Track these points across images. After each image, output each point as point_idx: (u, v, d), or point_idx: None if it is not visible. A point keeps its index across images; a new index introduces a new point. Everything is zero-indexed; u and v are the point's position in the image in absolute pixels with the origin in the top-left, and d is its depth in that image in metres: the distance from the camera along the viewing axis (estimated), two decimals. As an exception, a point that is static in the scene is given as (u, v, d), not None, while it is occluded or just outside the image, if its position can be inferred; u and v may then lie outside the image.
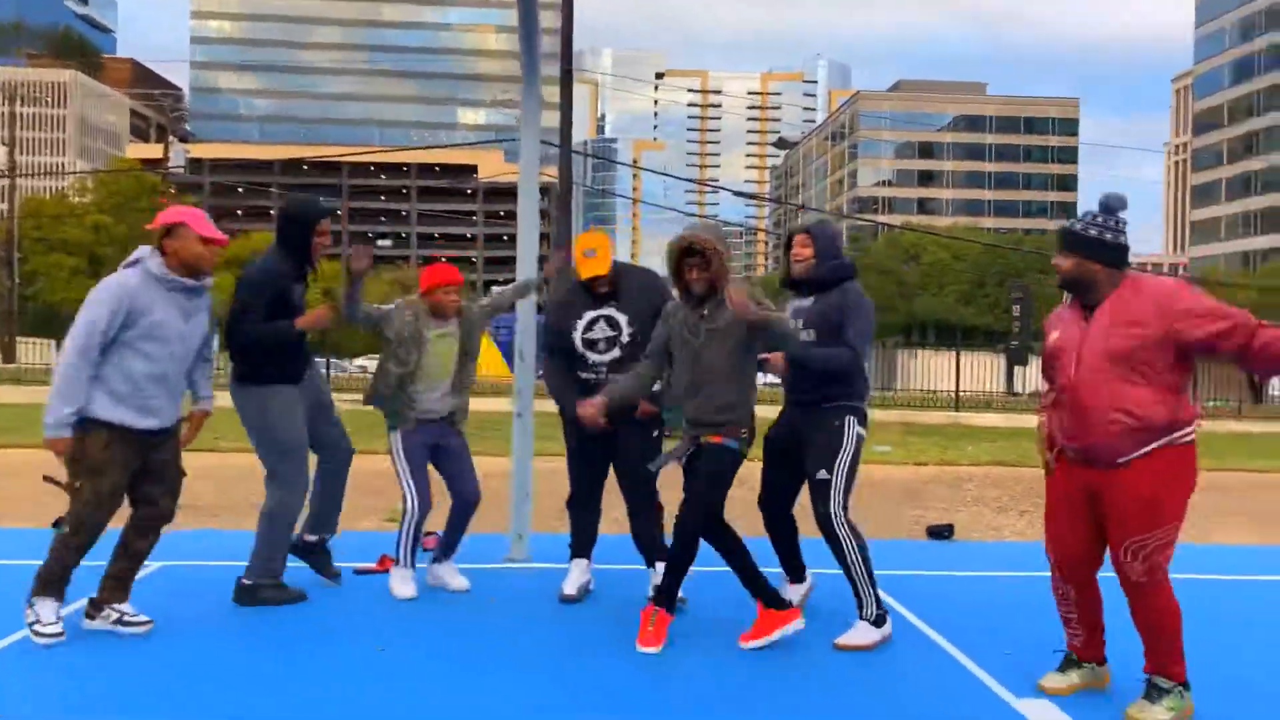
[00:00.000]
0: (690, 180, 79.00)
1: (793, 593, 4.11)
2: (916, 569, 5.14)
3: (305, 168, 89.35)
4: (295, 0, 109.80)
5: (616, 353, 4.20)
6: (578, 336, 4.23)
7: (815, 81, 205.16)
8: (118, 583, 3.67)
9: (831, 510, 3.71)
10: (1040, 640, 3.73)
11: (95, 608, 3.65)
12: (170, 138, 52.68)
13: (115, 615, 3.63)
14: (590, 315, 4.23)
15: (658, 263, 4.80)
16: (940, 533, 6.31)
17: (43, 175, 80.00)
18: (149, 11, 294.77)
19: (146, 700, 3.02)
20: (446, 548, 4.47)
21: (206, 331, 3.72)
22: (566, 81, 19.49)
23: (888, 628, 3.78)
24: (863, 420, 3.83)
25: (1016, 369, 36.77)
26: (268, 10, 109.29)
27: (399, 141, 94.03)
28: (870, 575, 3.73)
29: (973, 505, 8.28)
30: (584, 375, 4.25)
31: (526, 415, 4.94)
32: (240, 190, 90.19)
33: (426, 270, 4.32)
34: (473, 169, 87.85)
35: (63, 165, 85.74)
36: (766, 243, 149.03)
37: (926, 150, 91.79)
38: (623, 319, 4.21)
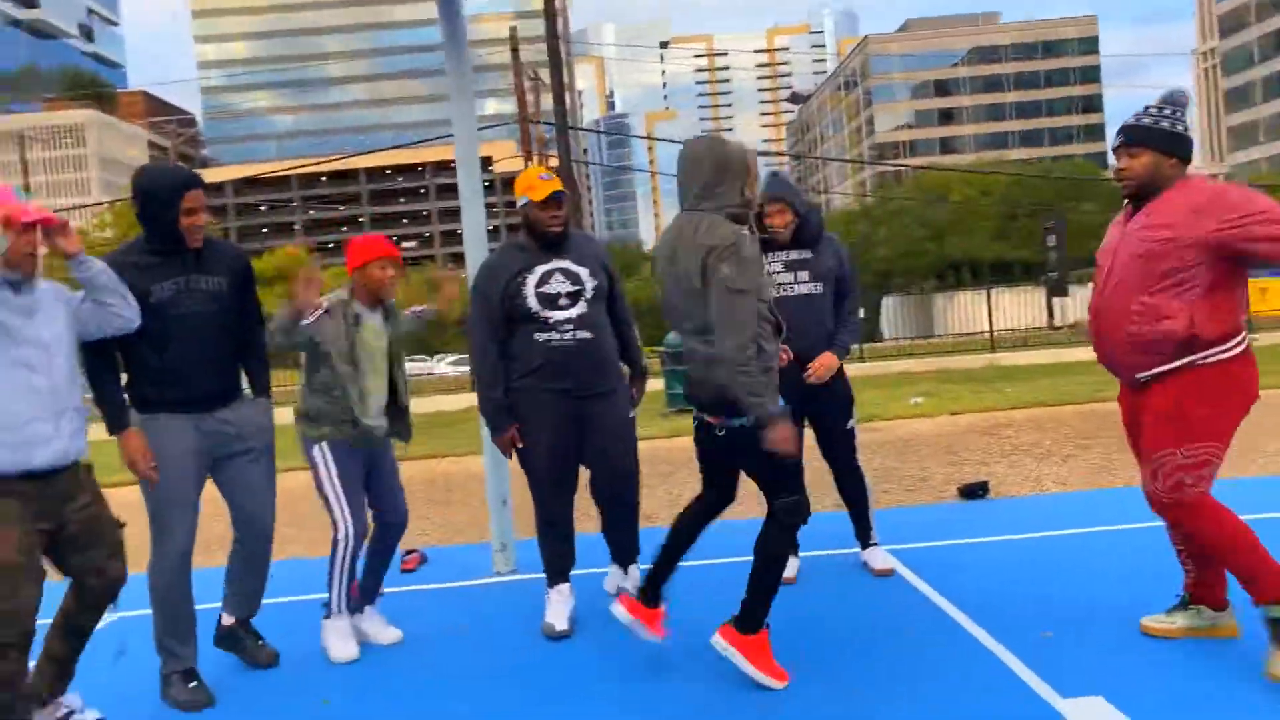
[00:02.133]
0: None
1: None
2: (944, 538, 4.63)
3: (323, 179, 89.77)
4: (297, 14, 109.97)
5: (582, 307, 3.51)
6: (529, 292, 3.49)
7: (822, 32, 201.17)
8: (59, 669, 2.95)
9: (859, 455, 4.01)
10: (1084, 617, 3.24)
11: (38, 704, 2.89)
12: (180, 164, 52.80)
13: (63, 712, 2.95)
14: (542, 269, 3.53)
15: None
16: (974, 492, 5.79)
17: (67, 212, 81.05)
18: (154, 41, 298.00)
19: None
20: (370, 591, 3.72)
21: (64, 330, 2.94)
22: (555, 60, 18.95)
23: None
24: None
25: (1056, 301, 35.50)
26: (270, 28, 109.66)
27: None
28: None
29: (1011, 454, 7.72)
30: (542, 338, 3.48)
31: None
32: (262, 209, 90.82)
33: (356, 242, 3.53)
34: (487, 161, 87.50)
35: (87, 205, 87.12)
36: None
37: (943, 88, 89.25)
38: (582, 271, 3.54)
